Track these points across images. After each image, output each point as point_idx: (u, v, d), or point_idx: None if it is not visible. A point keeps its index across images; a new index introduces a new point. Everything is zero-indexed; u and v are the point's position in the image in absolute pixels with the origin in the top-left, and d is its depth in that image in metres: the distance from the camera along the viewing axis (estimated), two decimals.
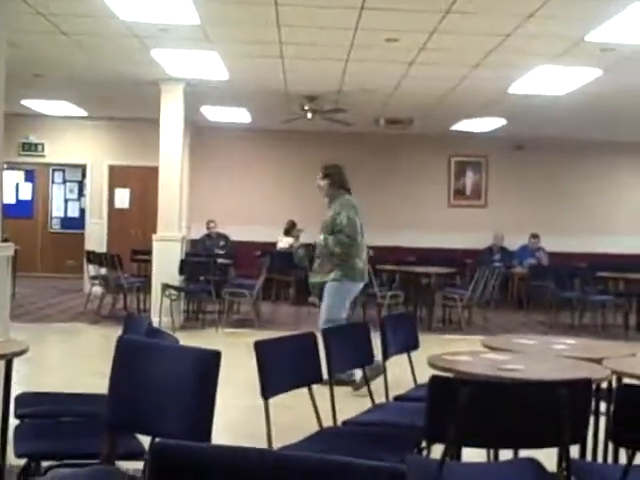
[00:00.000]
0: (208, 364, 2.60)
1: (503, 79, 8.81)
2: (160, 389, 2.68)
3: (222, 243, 12.60)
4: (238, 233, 12.92)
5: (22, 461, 2.96)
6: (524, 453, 3.15)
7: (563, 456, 2.71)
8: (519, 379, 3.01)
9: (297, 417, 4.38)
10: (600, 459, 3.68)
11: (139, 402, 2.70)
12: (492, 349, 3.82)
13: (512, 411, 2.62)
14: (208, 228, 12.75)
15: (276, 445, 3.01)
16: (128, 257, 11.24)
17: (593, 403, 3.08)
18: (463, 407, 2.54)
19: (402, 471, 1.60)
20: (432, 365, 3.31)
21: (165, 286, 9.32)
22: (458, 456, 3.12)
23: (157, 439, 1.77)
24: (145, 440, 2.92)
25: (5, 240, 5.29)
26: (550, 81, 8.70)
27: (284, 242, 12.83)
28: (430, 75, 8.71)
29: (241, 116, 12.28)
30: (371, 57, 7.96)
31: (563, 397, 2.55)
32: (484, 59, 7.78)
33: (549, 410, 2.60)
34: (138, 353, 2.85)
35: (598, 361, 3.46)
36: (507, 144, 13.82)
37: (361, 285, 6.73)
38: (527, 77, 8.57)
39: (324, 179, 6.67)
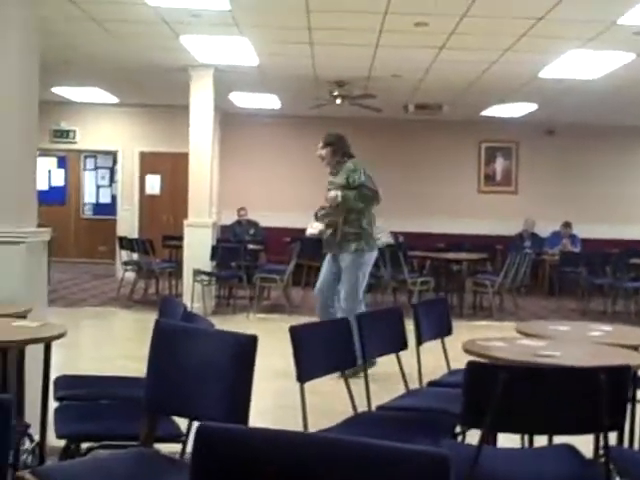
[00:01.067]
0: (245, 348, 2.62)
1: (534, 63, 8.71)
2: (198, 372, 2.70)
3: (252, 231, 12.62)
4: (268, 219, 12.94)
5: (62, 442, 3.01)
6: (558, 440, 3.13)
7: (602, 442, 2.69)
8: (556, 365, 3.00)
9: (328, 402, 4.40)
10: (637, 447, 3.65)
11: (177, 385, 2.73)
12: (526, 335, 3.80)
13: (550, 397, 2.61)
14: (239, 215, 12.78)
15: (311, 430, 3.02)
16: (159, 243, 11.32)
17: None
18: (501, 392, 2.54)
19: (446, 456, 1.59)
20: (467, 351, 3.30)
21: (197, 272, 9.39)
22: (494, 442, 3.12)
23: (198, 422, 1.78)
24: (181, 424, 2.96)
25: (40, 226, 5.34)
26: (582, 65, 8.58)
27: (314, 228, 12.79)
28: (460, 60, 8.64)
29: (271, 102, 12.28)
30: (401, 42, 7.90)
31: (602, 383, 2.53)
32: (515, 43, 7.70)
33: (588, 396, 2.58)
34: (175, 336, 2.87)
35: (635, 348, 3.43)
36: (538, 129, 13.66)
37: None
38: (559, 61, 8.46)
39: (325, 147, 6.54)
